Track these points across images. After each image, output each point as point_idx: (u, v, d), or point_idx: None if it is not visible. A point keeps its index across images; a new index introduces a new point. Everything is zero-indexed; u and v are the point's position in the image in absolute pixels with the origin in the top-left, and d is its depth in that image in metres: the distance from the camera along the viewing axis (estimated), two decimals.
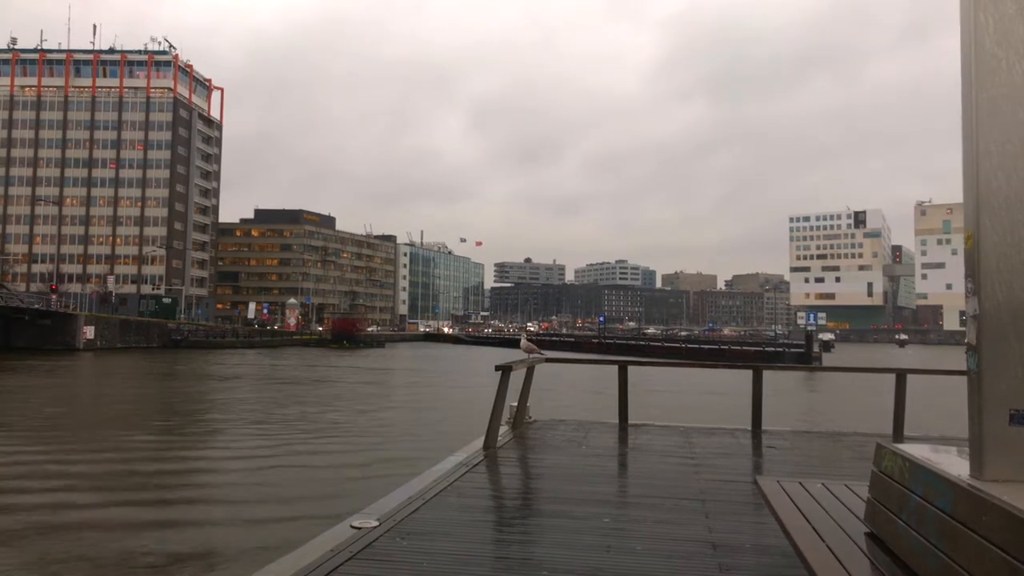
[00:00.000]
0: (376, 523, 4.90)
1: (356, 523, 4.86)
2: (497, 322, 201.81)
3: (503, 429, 8.93)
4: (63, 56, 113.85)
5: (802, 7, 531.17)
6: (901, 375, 9.81)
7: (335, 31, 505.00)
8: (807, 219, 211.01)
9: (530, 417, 10.25)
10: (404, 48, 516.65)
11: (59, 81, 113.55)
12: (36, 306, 72.76)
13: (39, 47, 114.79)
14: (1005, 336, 2.84)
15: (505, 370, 8.39)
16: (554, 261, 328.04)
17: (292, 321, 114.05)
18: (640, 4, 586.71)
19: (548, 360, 11.28)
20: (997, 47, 2.90)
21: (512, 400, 9.47)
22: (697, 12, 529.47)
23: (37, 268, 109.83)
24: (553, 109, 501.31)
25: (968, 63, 2.95)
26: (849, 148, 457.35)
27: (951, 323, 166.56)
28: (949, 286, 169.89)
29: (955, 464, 3.10)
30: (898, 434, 9.48)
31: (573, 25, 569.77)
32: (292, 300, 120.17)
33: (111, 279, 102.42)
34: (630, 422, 10.42)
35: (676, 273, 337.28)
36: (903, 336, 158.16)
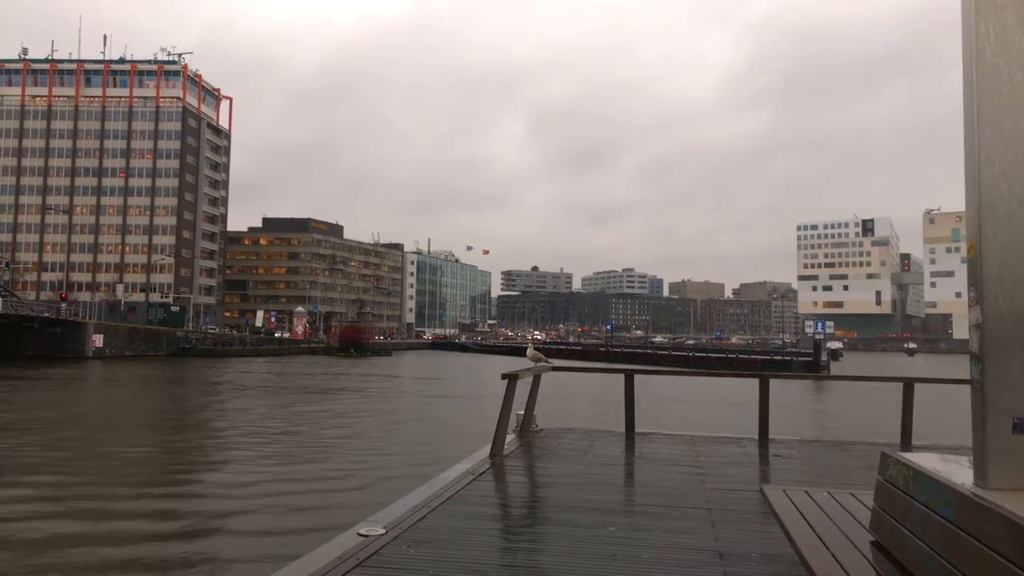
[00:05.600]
0: (383, 531, 4.92)
1: (363, 531, 4.88)
2: (507, 330, 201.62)
3: (509, 437, 8.93)
4: (74, 66, 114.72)
5: (897, 8, 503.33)
6: (909, 384, 9.78)
7: (414, 39, 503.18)
8: (815, 227, 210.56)
9: (536, 425, 10.24)
10: (479, 54, 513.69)
11: (69, 91, 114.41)
12: (46, 314, 73.13)
13: (50, 57, 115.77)
14: (1008, 345, 2.84)
15: (511, 378, 8.39)
16: (561, 269, 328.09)
17: (299, 329, 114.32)
18: (725, 7, 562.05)
19: (554, 369, 11.28)
20: (998, 57, 2.92)
21: (519, 409, 9.47)
22: (784, 14, 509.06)
23: (47, 276, 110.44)
24: (618, 115, 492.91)
25: (970, 73, 2.97)
26: (910, 156, 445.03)
27: (961, 332, 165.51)
28: (958, 294, 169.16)
29: (959, 473, 3.10)
30: (906, 443, 9.44)
31: (653, 29, 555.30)
32: (300, 308, 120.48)
33: (120, 287, 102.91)
34: (637, 431, 10.41)
35: (683, 281, 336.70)
36: (912, 345, 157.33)
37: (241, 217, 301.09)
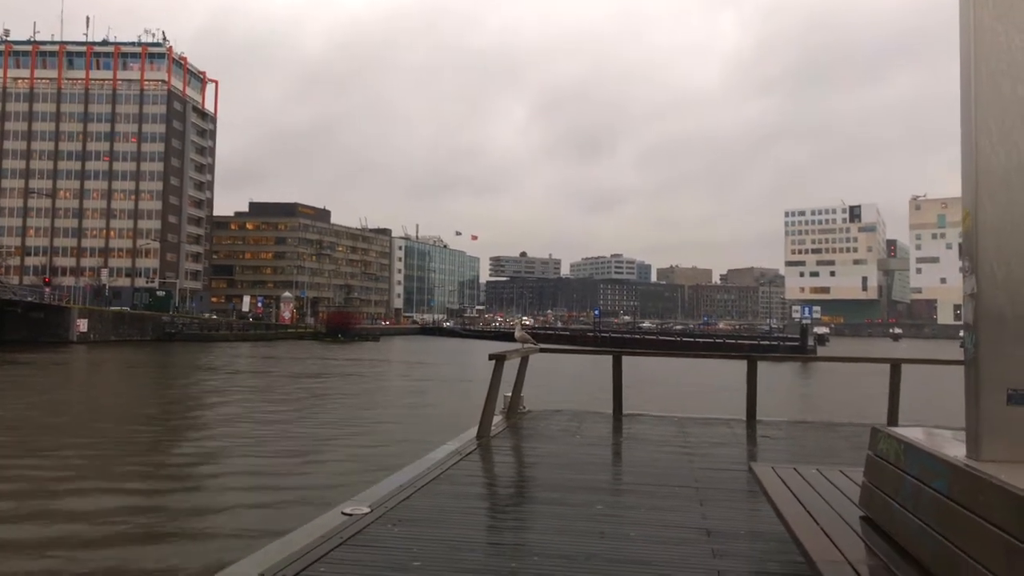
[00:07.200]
0: (368, 510, 4.87)
1: (347, 510, 4.83)
2: (496, 316, 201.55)
3: (497, 419, 8.90)
4: (56, 48, 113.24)
5: None
6: (896, 365, 9.79)
7: (427, 22, 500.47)
8: (802, 213, 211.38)
9: (524, 407, 10.21)
10: (489, 38, 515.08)
11: (52, 73, 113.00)
12: (29, 299, 72.48)
13: (32, 39, 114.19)
14: (1003, 315, 2.79)
15: (499, 359, 8.35)
16: (550, 255, 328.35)
17: (286, 315, 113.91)
18: None
19: (542, 350, 11.25)
20: (997, 21, 2.85)
21: (506, 391, 9.43)
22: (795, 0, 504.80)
23: (30, 261, 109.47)
24: (622, 102, 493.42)
25: (967, 37, 2.90)
26: (912, 143, 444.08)
27: (945, 317, 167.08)
28: (943, 280, 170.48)
29: (951, 446, 3.06)
30: (892, 424, 9.46)
31: (664, 16, 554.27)
32: (287, 294, 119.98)
33: (105, 272, 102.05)
34: (624, 412, 10.39)
35: (671, 267, 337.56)
36: (897, 330, 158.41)
37: (241, 202, 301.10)
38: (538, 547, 4.25)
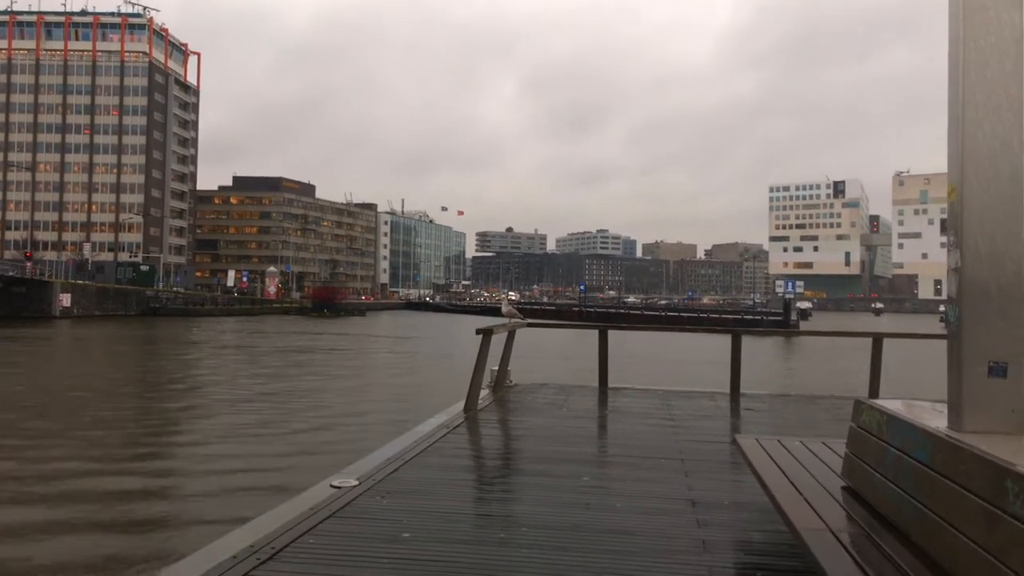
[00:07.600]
0: (356, 482, 4.90)
1: (336, 482, 4.86)
2: (483, 291, 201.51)
3: (484, 392, 8.95)
4: (34, 18, 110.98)
5: None
6: (877, 339, 9.90)
7: None
8: (787, 189, 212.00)
9: (511, 381, 10.27)
10: (477, 10, 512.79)
11: (30, 44, 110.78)
12: (10, 273, 71.74)
13: (8, 9, 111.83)
14: (986, 288, 2.83)
15: (486, 334, 8.40)
16: (535, 230, 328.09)
17: (272, 289, 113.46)
18: None
19: (529, 325, 11.30)
20: None
21: (493, 365, 9.48)
22: None
23: (11, 235, 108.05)
24: (613, 78, 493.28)
25: (957, 13, 2.92)
26: (898, 119, 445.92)
27: (926, 292, 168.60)
28: (925, 255, 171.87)
29: (933, 418, 3.12)
30: (874, 397, 9.58)
31: None
32: (272, 268, 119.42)
33: (87, 246, 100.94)
34: (610, 385, 10.47)
35: (656, 242, 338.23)
36: (879, 305, 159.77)
37: (225, 176, 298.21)
38: (525, 518, 4.30)
